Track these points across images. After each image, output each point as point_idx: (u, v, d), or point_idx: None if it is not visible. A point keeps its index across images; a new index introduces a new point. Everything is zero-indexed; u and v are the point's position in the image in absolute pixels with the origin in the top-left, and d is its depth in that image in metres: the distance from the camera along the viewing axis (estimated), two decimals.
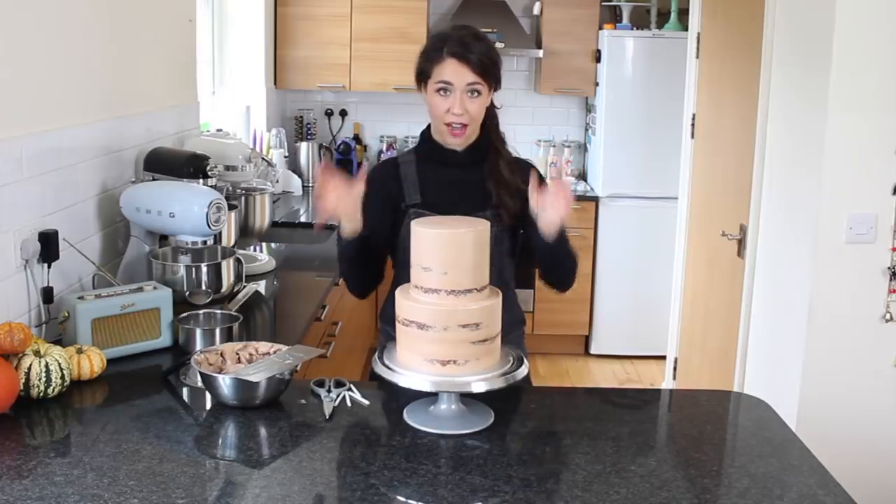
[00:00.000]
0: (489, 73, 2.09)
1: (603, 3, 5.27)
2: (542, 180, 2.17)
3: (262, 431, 1.78)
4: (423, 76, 2.13)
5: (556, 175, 5.47)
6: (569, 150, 5.55)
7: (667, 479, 1.61)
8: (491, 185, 2.16)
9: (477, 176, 2.17)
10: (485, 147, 2.19)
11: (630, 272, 5.22)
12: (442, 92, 2.09)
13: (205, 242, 2.50)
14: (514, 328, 2.17)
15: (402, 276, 2.15)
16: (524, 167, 2.21)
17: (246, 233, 3.17)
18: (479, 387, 1.73)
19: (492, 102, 2.19)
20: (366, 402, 1.88)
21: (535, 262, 2.21)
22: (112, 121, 2.63)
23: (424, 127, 2.24)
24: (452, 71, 2.07)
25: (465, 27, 2.17)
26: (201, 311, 2.37)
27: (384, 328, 2.26)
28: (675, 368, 4.41)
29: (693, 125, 4.15)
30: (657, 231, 5.06)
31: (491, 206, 2.14)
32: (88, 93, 2.50)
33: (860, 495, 1.67)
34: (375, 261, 2.20)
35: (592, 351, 5.40)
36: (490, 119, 2.20)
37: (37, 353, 1.88)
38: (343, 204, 1.97)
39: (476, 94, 2.08)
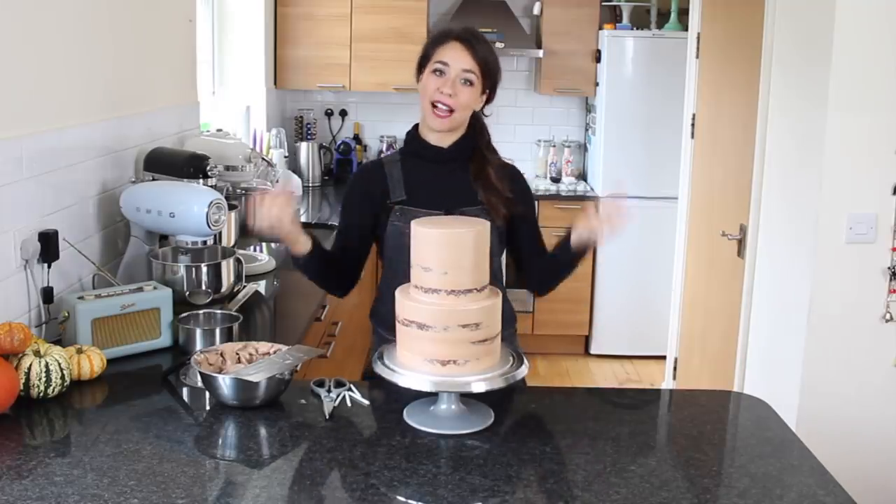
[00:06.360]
0: (487, 67, 2.11)
1: (603, 3, 5.26)
2: (525, 187, 2.22)
3: (262, 431, 1.78)
4: (424, 60, 2.14)
5: (556, 174, 5.47)
6: (569, 150, 5.55)
7: (667, 479, 1.62)
8: (478, 187, 2.16)
9: (462, 175, 2.17)
10: (470, 147, 2.19)
11: (630, 272, 5.22)
12: (437, 73, 2.10)
13: (205, 242, 2.50)
14: (505, 326, 2.16)
15: (390, 274, 2.15)
16: (511, 172, 2.23)
17: (246, 233, 3.17)
18: (479, 387, 1.73)
19: (483, 114, 2.20)
20: (366, 402, 1.88)
21: (524, 269, 2.23)
22: (112, 121, 2.63)
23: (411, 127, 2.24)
24: (453, 52, 2.09)
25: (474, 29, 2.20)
26: (201, 311, 2.37)
27: (376, 329, 2.26)
28: (675, 368, 4.41)
29: (693, 125, 4.15)
30: (657, 231, 5.06)
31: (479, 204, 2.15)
32: (89, 93, 2.50)
33: (860, 495, 1.67)
34: (347, 268, 2.21)
35: (592, 351, 5.40)
36: (480, 132, 2.21)
37: (37, 353, 1.88)
38: (281, 223, 1.98)
39: (468, 83, 2.09)
